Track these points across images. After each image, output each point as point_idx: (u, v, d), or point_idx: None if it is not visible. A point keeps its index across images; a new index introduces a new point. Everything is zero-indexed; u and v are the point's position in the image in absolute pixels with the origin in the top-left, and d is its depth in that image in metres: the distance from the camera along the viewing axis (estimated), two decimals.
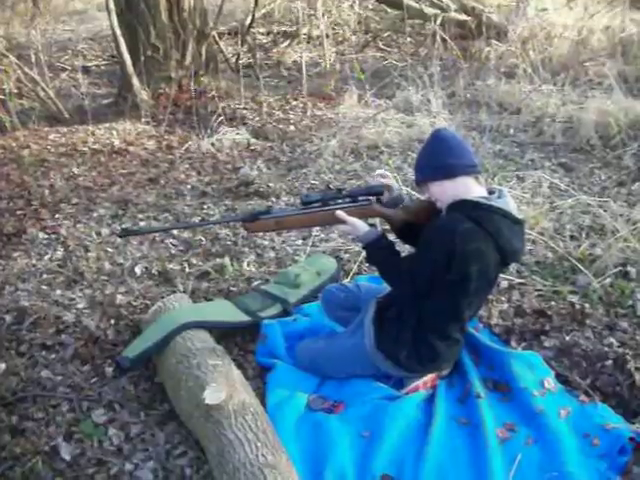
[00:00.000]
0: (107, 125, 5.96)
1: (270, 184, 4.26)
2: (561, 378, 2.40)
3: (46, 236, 3.75)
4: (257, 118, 5.72)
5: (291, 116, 5.72)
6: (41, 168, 4.87)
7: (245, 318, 2.78)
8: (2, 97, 6.68)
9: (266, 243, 3.56)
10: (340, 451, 2.10)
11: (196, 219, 3.90)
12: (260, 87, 6.14)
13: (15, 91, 6.89)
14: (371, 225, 2.35)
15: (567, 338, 2.59)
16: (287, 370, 2.51)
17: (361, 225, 2.29)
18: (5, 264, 3.44)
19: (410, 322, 2.28)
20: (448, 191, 2.17)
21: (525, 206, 3.58)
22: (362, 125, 4.82)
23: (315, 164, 4.50)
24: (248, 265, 3.35)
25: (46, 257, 3.51)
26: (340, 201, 2.35)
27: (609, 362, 2.43)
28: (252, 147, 5.07)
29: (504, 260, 2.18)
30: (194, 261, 3.42)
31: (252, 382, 2.50)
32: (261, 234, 3.51)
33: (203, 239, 3.63)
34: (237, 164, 4.75)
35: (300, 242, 3.53)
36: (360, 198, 2.35)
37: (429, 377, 2.39)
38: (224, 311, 2.77)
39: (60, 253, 3.54)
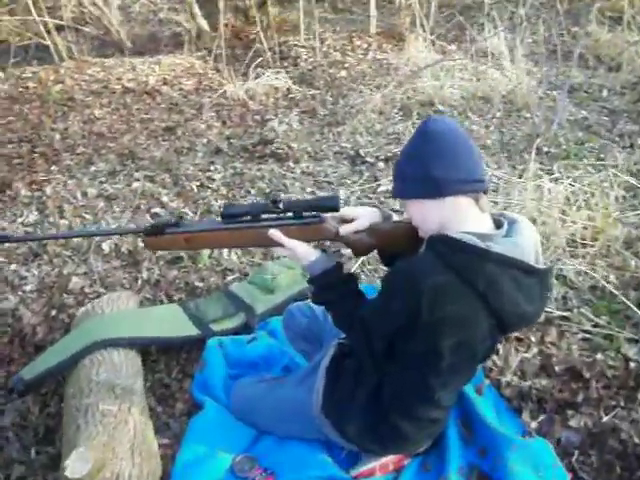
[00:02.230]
0: (154, 59, 5.49)
1: (292, 144, 3.60)
2: None
3: (29, 194, 3.34)
4: (311, 59, 4.99)
5: (348, 59, 4.94)
6: (64, 108, 4.48)
7: (192, 332, 2.24)
8: (62, 23, 6.38)
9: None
10: None
11: (195, 184, 3.33)
12: (332, 21, 5.39)
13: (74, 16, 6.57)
14: (323, 251, 1.69)
15: (605, 419, 1.84)
16: (216, 415, 1.95)
17: (304, 250, 1.61)
18: None
19: (367, 386, 1.64)
20: (431, 215, 1.46)
21: (586, 204, 2.70)
22: (418, 75, 3.96)
23: (354, 121, 3.76)
24: (229, 252, 2.78)
25: (19, 220, 3.11)
26: (276, 216, 1.68)
27: None
28: (291, 95, 4.38)
29: (503, 327, 1.45)
30: None
31: (176, 422, 1.99)
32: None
33: (190, 213, 3.08)
34: (267, 115, 4.11)
35: None
36: (306, 214, 1.67)
37: (392, 458, 1.75)
38: (164, 321, 2.24)
39: (34, 217, 3.13)
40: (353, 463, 1.77)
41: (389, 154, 3.35)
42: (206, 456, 1.81)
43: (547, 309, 2.25)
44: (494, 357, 2.05)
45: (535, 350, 2.09)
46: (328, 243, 1.89)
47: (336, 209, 1.64)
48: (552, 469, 1.68)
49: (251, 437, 1.90)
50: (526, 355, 2.06)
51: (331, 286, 1.62)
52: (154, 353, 2.26)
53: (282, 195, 3.18)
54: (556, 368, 2.00)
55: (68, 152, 3.79)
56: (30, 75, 5.14)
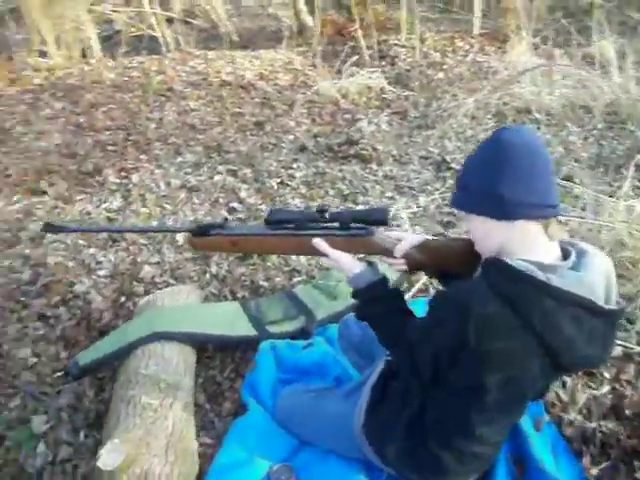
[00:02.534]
0: (255, 53, 5.55)
1: (378, 146, 3.50)
2: None
3: (117, 181, 3.45)
4: (410, 59, 4.86)
5: (447, 60, 4.76)
6: (162, 98, 4.61)
7: (249, 332, 2.21)
8: (173, 15, 6.60)
9: None
10: None
11: (275, 182, 3.31)
12: (436, 21, 5.23)
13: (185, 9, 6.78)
14: (370, 264, 1.59)
15: None
16: (260, 420, 1.91)
17: (348, 262, 1.54)
18: (63, 207, 3.21)
19: (411, 408, 1.53)
20: (493, 236, 1.33)
21: None
22: (516, 79, 3.74)
23: (444, 125, 3.60)
24: None
25: (103, 206, 3.22)
26: (323, 225, 1.59)
27: None
28: (384, 95, 4.27)
29: (558, 367, 1.30)
30: None
31: (221, 421, 1.97)
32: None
33: (264, 208, 3.05)
34: (357, 115, 4.02)
35: None
36: (353, 225, 1.58)
37: None
38: (223, 319, 2.22)
39: (117, 203, 3.22)
40: None
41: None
42: (244, 461, 1.77)
43: (627, 344, 2.04)
44: (559, 391, 1.87)
45: (607, 388, 1.89)
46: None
47: (384, 223, 1.54)
48: None
49: (292, 447, 1.84)
50: (596, 392, 1.86)
51: (376, 300, 1.53)
52: (210, 350, 2.25)
53: (361, 198, 3.09)
54: (627, 411, 1.79)
55: (159, 142, 3.88)
56: (136, 65, 5.34)
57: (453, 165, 3.26)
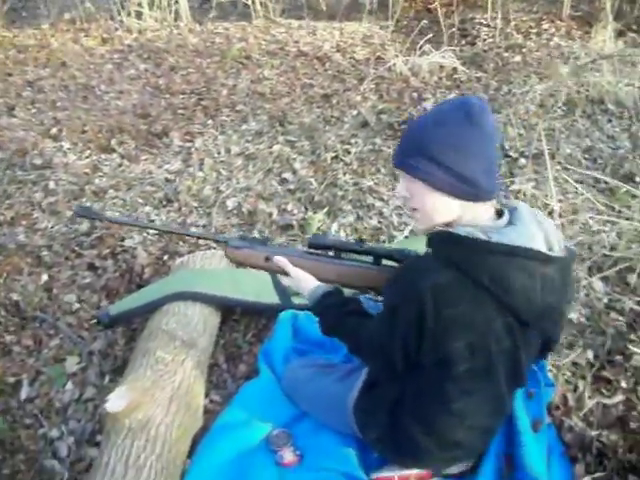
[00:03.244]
0: (337, 25, 5.53)
1: None
2: None
3: (181, 144, 3.59)
4: (490, 40, 4.70)
5: (529, 43, 4.55)
6: (239, 65, 4.70)
7: (272, 301, 2.26)
8: None
9: (378, 205, 2.90)
10: None
11: (329, 156, 3.34)
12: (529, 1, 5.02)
13: None
14: None
15: None
16: (267, 385, 1.99)
17: (308, 279, 1.64)
18: (128, 165, 3.39)
19: (393, 394, 1.57)
20: (446, 212, 1.34)
21: None
22: (589, 67, 3.56)
23: (509, 111, 3.50)
24: (339, 228, 2.76)
25: (164, 167, 3.36)
26: (356, 256, 1.68)
27: None
28: (456, 75, 4.17)
29: (522, 322, 1.30)
30: (290, 207, 2.94)
31: (234, 382, 2.07)
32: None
33: (314, 182, 3.10)
34: (425, 94, 3.96)
35: None
36: (385, 262, 1.64)
37: (415, 472, 1.66)
38: (250, 286, 2.30)
39: (177, 166, 3.36)
40: (380, 466, 1.71)
41: (535, 151, 3.07)
42: (245, 422, 1.87)
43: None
44: (568, 394, 1.83)
45: (620, 398, 1.83)
46: None
47: None
48: None
49: (293, 415, 1.91)
50: (605, 401, 1.81)
51: (331, 307, 1.57)
52: (237, 314, 2.34)
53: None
54: (632, 424, 1.73)
55: (228, 108, 3.99)
56: (221, 31, 5.46)
57: (510, 152, 3.16)
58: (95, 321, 2.30)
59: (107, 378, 2.13)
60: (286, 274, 1.68)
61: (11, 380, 2.15)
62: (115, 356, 2.20)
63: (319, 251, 1.71)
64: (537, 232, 1.30)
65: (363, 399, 1.66)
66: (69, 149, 3.58)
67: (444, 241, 1.29)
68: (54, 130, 3.82)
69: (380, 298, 1.61)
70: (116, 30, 5.66)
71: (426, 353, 1.33)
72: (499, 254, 1.24)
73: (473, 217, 1.31)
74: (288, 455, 1.77)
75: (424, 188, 1.32)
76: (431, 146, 1.28)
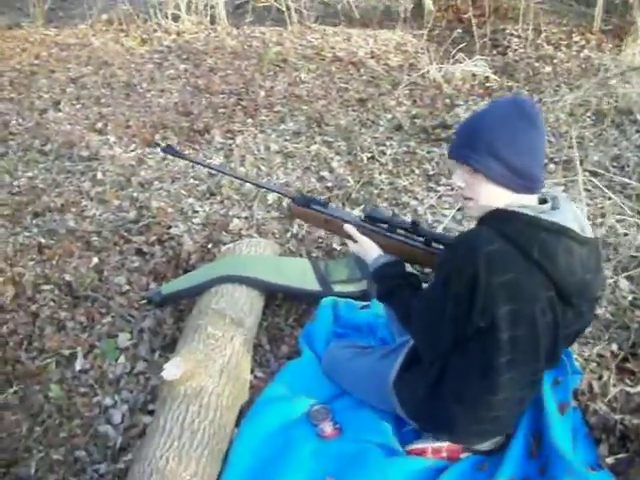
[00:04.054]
0: (371, 32, 5.68)
1: None
2: None
3: (222, 140, 3.74)
4: (521, 50, 4.81)
5: (559, 54, 4.65)
6: (276, 68, 4.86)
7: (315, 288, 2.40)
8: None
9: (413, 203, 3.02)
10: None
11: (366, 155, 3.46)
12: (560, 13, 5.13)
13: None
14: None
15: None
16: (310, 365, 2.11)
17: (372, 247, 1.75)
18: (172, 159, 3.53)
19: (432, 369, 1.67)
20: (500, 201, 1.44)
21: None
22: (619, 77, 3.66)
23: None
24: None
25: (207, 161, 3.49)
26: (406, 234, 1.78)
27: None
28: (488, 84, 4.29)
29: (564, 298, 1.42)
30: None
31: (277, 361, 2.19)
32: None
33: (351, 180, 3.22)
34: (457, 101, 4.08)
35: (448, 212, 2.89)
36: (434, 245, 1.74)
37: (447, 445, 1.77)
38: (293, 273, 2.42)
39: (219, 160, 3.51)
40: (415, 439, 1.82)
41: (564, 157, 3.18)
42: (288, 397, 1.98)
43: None
44: (593, 382, 1.92)
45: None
46: None
47: None
48: None
49: (333, 392, 2.02)
50: (629, 389, 1.90)
51: (390, 276, 1.70)
52: (279, 299, 2.46)
53: (443, 179, 3.20)
54: None
55: (266, 109, 4.13)
56: (258, 35, 5.62)
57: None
58: (146, 300, 2.43)
59: (157, 354, 2.26)
60: (351, 239, 1.78)
61: (66, 353, 2.28)
62: (164, 334, 2.33)
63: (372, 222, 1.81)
64: (573, 219, 1.43)
65: (404, 374, 1.76)
66: (114, 142, 3.75)
67: (499, 217, 1.41)
68: (99, 124, 3.99)
69: (427, 270, 1.72)
70: (155, 32, 5.86)
71: (474, 321, 1.42)
72: (549, 231, 1.37)
73: (522, 205, 1.43)
74: (328, 428, 1.88)
75: (482, 180, 1.43)
76: (491, 141, 1.40)
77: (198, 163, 2.43)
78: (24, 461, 1.89)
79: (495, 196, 1.44)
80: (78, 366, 2.24)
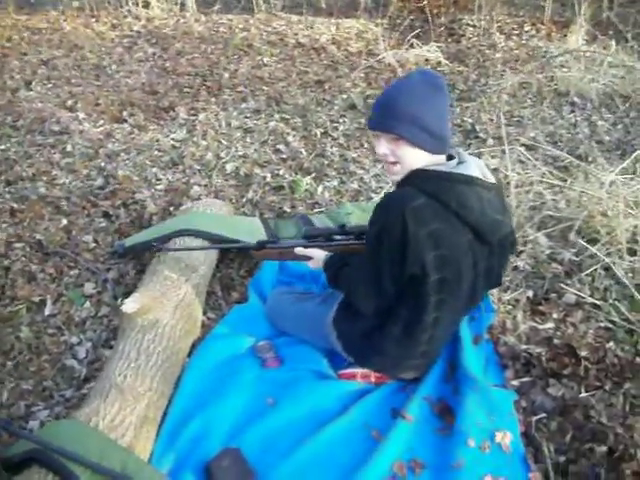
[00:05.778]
0: (334, 21, 5.92)
1: None
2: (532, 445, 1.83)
3: (186, 117, 3.96)
4: (475, 38, 5.11)
5: (510, 43, 4.97)
6: (241, 52, 5.09)
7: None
8: None
9: (360, 172, 3.29)
10: (230, 408, 1.95)
11: (320, 131, 3.73)
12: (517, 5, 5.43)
13: None
14: None
15: (583, 395, 1.93)
16: (255, 309, 2.36)
17: (320, 253, 2.01)
18: (138, 134, 3.75)
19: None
20: (418, 162, 1.68)
21: None
22: (552, 61, 3.96)
23: (483, 99, 3.89)
24: (323, 190, 3.14)
25: (171, 136, 3.73)
26: (340, 237, 2.06)
27: (604, 448, 1.75)
28: (440, 68, 4.57)
29: (481, 237, 1.68)
30: (282, 172, 3.32)
31: (228, 306, 2.44)
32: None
33: (304, 152, 3.47)
34: None
35: (390, 180, 3.16)
36: (363, 236, 1.99)
37: (375, 372, 2.03)
38: (245, 229, 2.66)
39: (182, 135, 3.73)
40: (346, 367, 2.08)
41: (503, 134, 3.47)
42: (234, 334, 2.22)
43: (580, 293, 2.33)
44: (507, 320, 2.20)
45: (550, 325, 2.20)
46: None
47: None
48: (506, 417, 1.84)
49: (274, 333, 2.27)
50: (537, 326, 2.19)
51: (331, 263, 1.95)
52: (233, 254, 2.70)
53: None
54: (556, 340, 2.11)
55: (229, 89, 4.37)
56: (225, 22, 5.84)
57: (481, 134, 3.56)
58: (111, 252, 2.67)
59: (119, 300, 2.48)
60: (307, 257, 2.04)
61: (36, 300, 2.50)
62: (127, 284, 2.56)
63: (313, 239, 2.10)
64: (481, 167, 1.71)
65: (341, 312, 2.01)
66: (84, 119, 3.95)
67: (418, 177, 1.66)
68: (70, 102, 4.19)
69: None
70: (125, 18, 6.05)
71: (407, 269, 1.65)
72: (461, 183, 1.62)
73: (435, 162, 1.68)
74: (270, 359, 2.13)
75: (404, 145, 1.66)
76: (411, 111, 1.62)
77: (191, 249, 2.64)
78: None
79: (416, 159, 1.67)
80: (47, 311, 2.46)
